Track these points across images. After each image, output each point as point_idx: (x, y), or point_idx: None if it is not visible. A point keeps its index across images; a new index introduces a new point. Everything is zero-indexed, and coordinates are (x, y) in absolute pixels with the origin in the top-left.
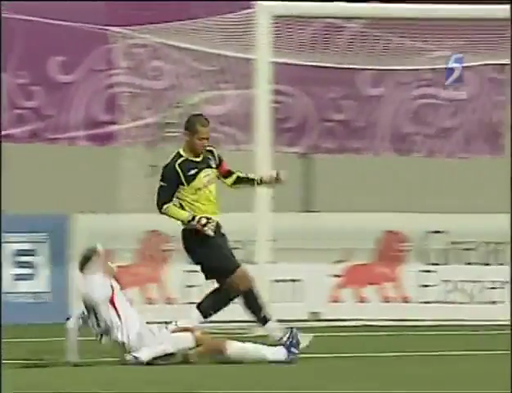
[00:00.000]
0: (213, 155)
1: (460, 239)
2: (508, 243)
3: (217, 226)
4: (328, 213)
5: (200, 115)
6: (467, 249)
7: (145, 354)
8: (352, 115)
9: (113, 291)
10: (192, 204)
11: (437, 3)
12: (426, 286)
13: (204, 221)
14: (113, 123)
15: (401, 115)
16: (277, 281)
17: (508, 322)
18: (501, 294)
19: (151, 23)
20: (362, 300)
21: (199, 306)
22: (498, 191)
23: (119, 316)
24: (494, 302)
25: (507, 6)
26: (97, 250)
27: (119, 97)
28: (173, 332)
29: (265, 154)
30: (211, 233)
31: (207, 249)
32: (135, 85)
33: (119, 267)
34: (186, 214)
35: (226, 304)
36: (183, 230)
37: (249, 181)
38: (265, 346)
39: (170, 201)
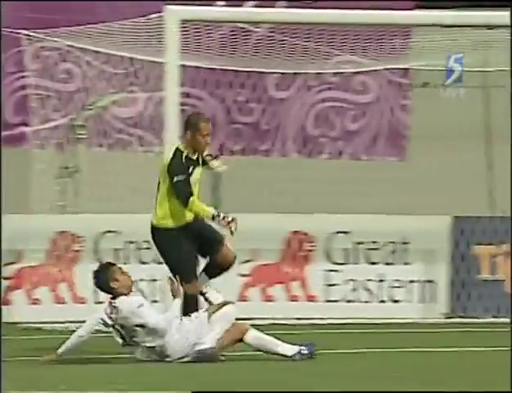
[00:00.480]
0: (200, 155)
1: (364, 239)
2: (410, 243)
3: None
4: (235, 214)
5: (198, 113)
6: (371, 249)
7: (209, 341)
8: (259, 117)
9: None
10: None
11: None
12: (331, 285)
13: (229, 219)
14: (23, 125)
15: (307, 118)
16: None
17: (409, 321)
18: (403, 293)
19: (57, 27)
20: (269, 299)
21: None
22: (401, 192)
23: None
24: (397, 301)
25: (409, 12)
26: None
27: (29, 100)
28: (213, 312)
29: None
30: (234, 231)
31: (175, 250)
32: (45, 87)
33: (29, 267)
34: (211, 210)
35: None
36: (156, 228)
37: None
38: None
39: (192, 193)
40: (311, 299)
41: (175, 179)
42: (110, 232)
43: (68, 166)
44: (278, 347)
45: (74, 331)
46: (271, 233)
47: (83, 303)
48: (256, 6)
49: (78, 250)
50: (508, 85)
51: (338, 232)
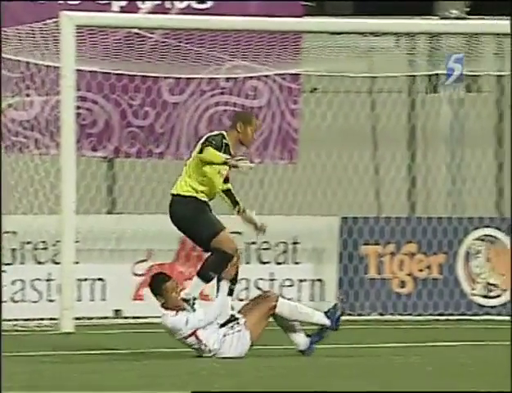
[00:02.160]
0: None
1: (254, 239)
2: (300, 243)
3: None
4: (131, 215)
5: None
6: (262, 249)
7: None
8: (154, 121)
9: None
10: (203, 181)
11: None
12: None
13: (238, 158)
14: None
15: (200, 122)
16: (82, 280)
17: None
18: (294, 291)
19: None
20: None
21: (198, 273)
22: (292, 194)
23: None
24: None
25: (298, 19)
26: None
27: None
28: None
29: (70, 158)
30: (250, 165)
31: (195, 216)
32: None
33: None
34: (223, 155)
35: (222, 264)
36: (180, 196)
37: (233, 202)
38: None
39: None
40: (204, 298)
41: (209, 145)
42: (6, 232)
43: None
44: (313, 317)
45: None
46: (165, 234)
47: None
48: (150, 13)
49: None
50: (393, 90)
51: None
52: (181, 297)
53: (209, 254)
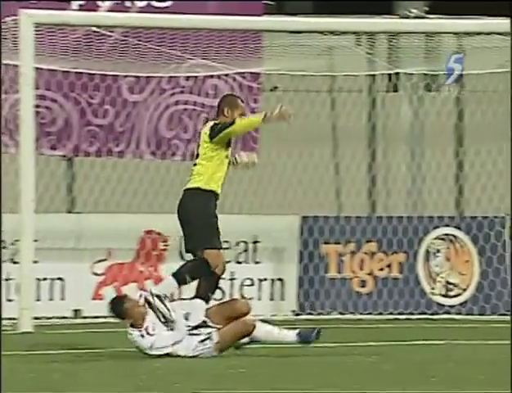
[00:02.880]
0: None
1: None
2: (260, 242)
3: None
4: (90, 214)
5: (233, 94)
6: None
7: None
8: (113, 119)
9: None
10: (217, 169)
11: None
12: None
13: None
14: None
15: (160, 120)
16: (42, 279)
17: (259, 317)
18: (254, 291)
19: None
20: None
21: (174, 274)
22: (252, 193)
23: None
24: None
25: (258, 18)
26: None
27: None
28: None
29: (29, 157)
30: (290, 112)
31: (204, 218)
32: None
33: None
34: (258, 114)
35: (200, 272)
36: (191, 189)
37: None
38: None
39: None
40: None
41: (219, 128)
42: None
43: None
44: (287, 338)
45: None
46: (125, 233)
47: None
48: (110, 11)
49: None
50: (353, 89)
51: None
52: (150, 293)
53: (192, 258)
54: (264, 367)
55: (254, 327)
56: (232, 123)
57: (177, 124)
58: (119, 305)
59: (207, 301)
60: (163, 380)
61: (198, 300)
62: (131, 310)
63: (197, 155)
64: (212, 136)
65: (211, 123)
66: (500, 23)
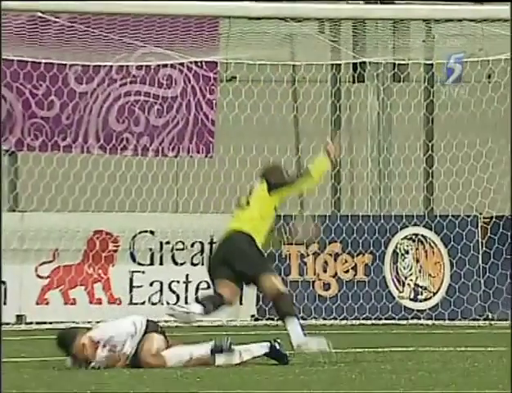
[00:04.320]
0: None
1: (170, 239)
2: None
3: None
4: (35, 212)
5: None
6: (177, 249)
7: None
8: (59, 111)
9: None
10: (266, 218)
11: None
12: (136, 286)
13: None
14: None
15: (109, 112)
16: None
17: (217, 323)
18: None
19: None
20: (71, 302)
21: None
22: (208, 190)
23: None
24: None
25: (215, 3)
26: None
27: None
28: None
29: None
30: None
31: (254, 251)
32: None
33: None
34: (323, 158)
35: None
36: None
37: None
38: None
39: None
40: (114, 302)
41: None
42: None
43: None
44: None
45: None
46: (72, 233)
47: None
48: None
49: None
50: (316, 79)
51: (142, 232)
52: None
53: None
54: (218, 374)
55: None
56: (305, 174)
57: (128, 116)
58: (66, 342)
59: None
60: (117, 389)
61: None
62: (77, 352)
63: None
64: (278, 186)
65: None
66: (472, 9)
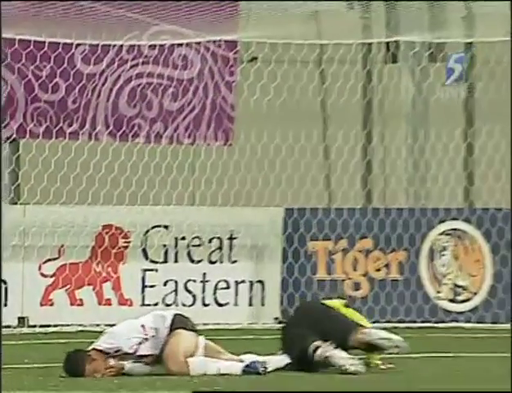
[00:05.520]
0: None
1: (185, 234)
2: (237, 238)
3: None
4: (38, 205)
5: None
6: (194, 245)
7: None
8: (65, 95)
9: None
10: None
11: None
12: (149, 286)
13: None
14: None
15: (120, 96)
16: None
17: (236, 326)
18: (228, 295)
19: None
20: (77, 303)
21: None
22: (228, 181)
23: None
24: (222, 304)
25: None
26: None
27: None
28: None
29: None
30: None
31: None
32: None
33: None
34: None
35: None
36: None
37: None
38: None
39: None
40: (125, 303)
41: None
42: None
43: None
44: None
45: None
46: (79, 227)
47: None
48: None
49: None
50: (346, 60)
51: (155, 227)
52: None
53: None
54: None
55: None
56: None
57: (140, 100)
58: (75, 365)
59: None
60: None
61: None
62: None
63: None
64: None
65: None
66: None
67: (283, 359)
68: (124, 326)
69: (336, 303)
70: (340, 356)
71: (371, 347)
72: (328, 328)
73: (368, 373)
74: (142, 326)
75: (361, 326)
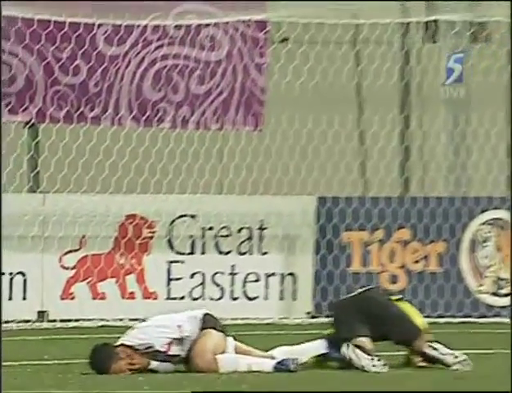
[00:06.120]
0: None
1: (213, 224)
2: (267, 229)
3: None
4: (58, 194)
5: None
6: (221, 235)
7: None
8: (87, 77)
9: None
10: None
11: None
12: (175, 279)
13: None
14: None
15: (144, 79)
16: None
17: (267, 321)
18: (258, 288)
19: None
20: (99, 297)
21: None
22: (257, 168)
23: None
24: (252, 298)
25: None
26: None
27: None
28: None
29: None
30: None
31: None
32: None
33: None
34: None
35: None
36: None
37: None
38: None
39: None
40: (149, 296)
41: None
42: None
43: None
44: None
45: None
46: (101, 217)
47: None
48: None
49: None
50: (382, 40)
51: (181, 216)
52: None
53: None
54: None
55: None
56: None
57: (166, 83)
58: (100, 362)
59: None
60: None
61: None
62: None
63: None
64: None
65: None
66: None
67: (318, 348)
68: (157, 322)
69: (406, 305)
70: (363, 357)
71: (433, 359)
72: (389, 326)
73: (408, 369)
74: (179, 326)
75: (425, 331)
